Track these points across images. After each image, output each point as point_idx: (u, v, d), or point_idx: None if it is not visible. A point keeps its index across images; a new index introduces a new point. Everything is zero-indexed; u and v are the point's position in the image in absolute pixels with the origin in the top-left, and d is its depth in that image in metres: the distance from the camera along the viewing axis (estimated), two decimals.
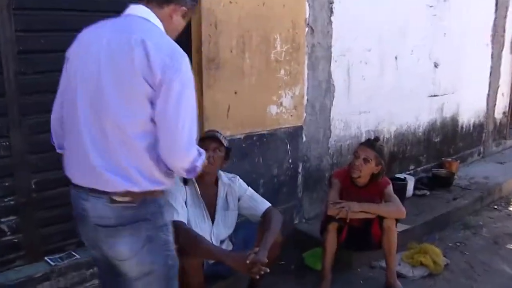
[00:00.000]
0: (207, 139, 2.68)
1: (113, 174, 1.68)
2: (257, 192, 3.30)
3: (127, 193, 1.70)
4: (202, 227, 2.72)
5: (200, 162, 1.78)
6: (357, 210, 3.02)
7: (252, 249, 2.52)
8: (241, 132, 3.40)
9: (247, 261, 2.42)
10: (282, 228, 2.81)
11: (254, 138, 3.47)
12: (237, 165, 3.35)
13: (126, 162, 1.68)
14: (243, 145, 3.43)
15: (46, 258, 2.81)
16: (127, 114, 1.65)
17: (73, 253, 2.86)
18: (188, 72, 1.70)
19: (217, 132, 2.77)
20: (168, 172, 1.78)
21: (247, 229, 2.93)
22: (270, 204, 2.86)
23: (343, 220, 3.07)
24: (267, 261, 2.46)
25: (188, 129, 1.68)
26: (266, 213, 2.80)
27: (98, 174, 1.70)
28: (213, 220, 2.78)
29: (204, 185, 2.73)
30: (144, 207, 1.74)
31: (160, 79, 1.63)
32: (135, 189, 1.70)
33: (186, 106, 1.66)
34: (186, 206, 2.65)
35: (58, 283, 2.75)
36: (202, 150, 1.83)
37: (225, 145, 2.69)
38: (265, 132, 3.53)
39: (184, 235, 2.49)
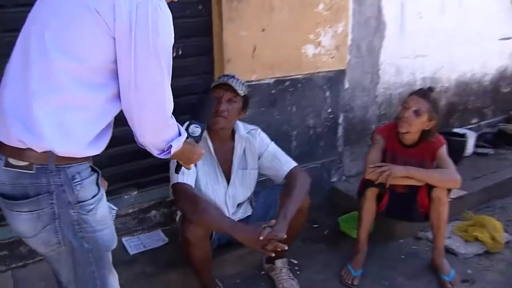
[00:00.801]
0: (219, 87, 2.28)
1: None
2: (289, 145, 3.07)
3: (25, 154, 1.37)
4: (216, 188, 2.38)
5: (178, 144, 1.51)
6: (400, 175, 2.50)
7: (267, 222, 2.12)
8: (271, 76, 2.93)
9: (260, 237, 2.02)
10: (315, 189, 2.47)
11: (286, 84, 3.00)
12: (265, 114, 2.98)
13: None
14: (273, 91, 2.97)
15: None
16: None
17: None
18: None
19: (232, 77, 2.31)
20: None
21: (270, 191, 2.56)
22: (295, 164, 2.44)
23: (383, 186, 2.57)
24: (285, 236, 2.06)
25: (164, 98, 1.41)
26: (290, 175, 2.38)
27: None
28: (228, 180, 2.42)
29: (218, 140, 2.37)
30: (46, 176, 1.38)
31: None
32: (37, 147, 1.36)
33: (160, 63, 1.36)
34: (196, 164, 2.27)
35: None
36: (182, 131, 1.56)
37: (242, 94, 2.28)
38: (299, 76, 3.04)
39: (186, 200, 2.16)
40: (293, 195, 2.24)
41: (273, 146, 2.47)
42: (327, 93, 3.21)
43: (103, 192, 1.50)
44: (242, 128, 2.43)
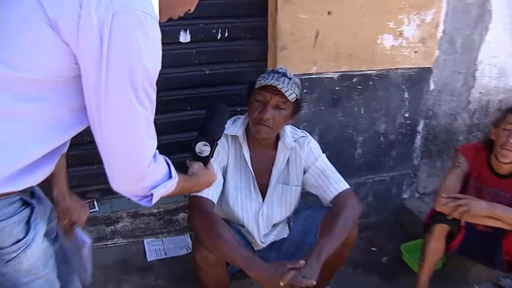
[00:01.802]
0: (265, 89, 1.85)
1: None
2: (352, 153, 2.73)
3: None
4: (246, 204, 2.00)
5: (163, 191, 1.19)
6: (482, 214, 1.92)
7: (294, 262, 1.67)
8: (335, 69, 2.45)
9: (281, 283, 1.60)
10: (380, 205, 2.24)
11: (355, 80, 2.51)
12: (325, 114, 2.54)
13: None
14: (337, 87, 2.49)
15: None
16: None
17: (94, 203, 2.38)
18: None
19: (283, 75, 1.87)
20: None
21: (313, 212, 2.09)
22: (347, 187, 1.98)
23: (457, 223, 2.01)
24: (314, 283, 1.63)
25: (141, 144, 1.10)
26: (337, 200, 1.94)
27: None
28: (264, 195, 2.03)
29: (258, 147, 1.98)
30: None
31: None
32: None
33: (138, 99, 1.05)
34: (226, 174, 1.96)
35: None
36: (173, 172, 1.23)
37: (293, 99, 1.84)
38: (372, 72, 2.53)
39: (201, 219, 1.79)
40: (335, 228, 1.80)
41: (323, 161, 2.02)
42: (406, 95, 2.65)
43: (37, 232, 1.13)
44: (289, 134, 2.01)
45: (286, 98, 1.84)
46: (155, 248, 2.38)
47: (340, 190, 1.96)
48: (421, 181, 2.99)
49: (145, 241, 2.42)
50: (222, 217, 1.99)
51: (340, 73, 2.49)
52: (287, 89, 1.83)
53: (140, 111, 1.05)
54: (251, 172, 1.99)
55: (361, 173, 2.72)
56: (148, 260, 2.33)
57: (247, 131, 1.96)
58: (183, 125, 2.39)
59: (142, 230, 2.45)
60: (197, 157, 1.47)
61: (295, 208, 2.12)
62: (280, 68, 1.95)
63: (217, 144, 1.51)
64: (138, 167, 1.11)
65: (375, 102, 2.62)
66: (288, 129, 2.03)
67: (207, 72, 2.32)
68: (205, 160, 1.47)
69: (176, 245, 2.41)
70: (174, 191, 1.25)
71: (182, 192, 1.35)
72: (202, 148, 1.48)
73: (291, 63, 2.32)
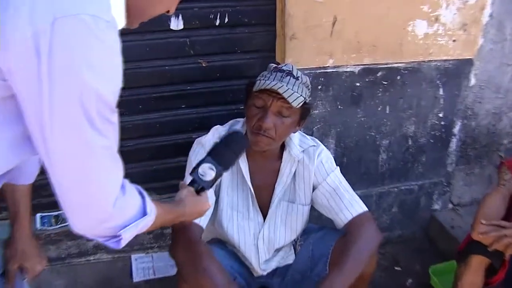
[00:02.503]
0: (264, 93, 1.57)
1: None
2: (375, 158, 2.41)
3: None
4: (244, 225, 1.75)
5: (134, 231, 1.03)
6: None
7: None
8: (356, 62, 2.14)
9: None
10: (406, 217, 2.18)
11: (379, 74, 2.18)
12: (343, 114, 2.25)
13: None
14: (358, 83, 2.19)
15: (37, 214, 2.08)
16: None
17: None
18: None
19: (288, 74, 1.58)
20: None
21: (324, 236, 1.82)
22: (363, 209, 1.69)
23: (499, 257, 1.65)
24: None
25: (100, 180, 0.94)
26: (351, 226, 1.66)
27: None
28: (265, 215, 1.76)
29: (259, 158, 1.71)
30: None
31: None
32: None
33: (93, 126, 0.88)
34: (219, 190, 1.71)
35: (47, 252, 2.07)
36: (149, 207, 1.06)
37: (298, 105, 1.56)
38: (400, 65, 2.20)
39: (184, 250, 1.55)
40: (348, 261, 1.53)
41: (336, 176, 1.73)
42: (440, 91, 2.29)
43: None
44: (296, 143, 1.73)
45: (289, 104, 1.54)
46: (143, 266, 2.13)
47: (355, 214, 1.66)
48: (455, 190, 2.64)
49: (133, 257, 2.17)
50: (216, 237, 1.80)
51: (361, 66, 2.17)
52: (292, 92, 1.52)
53: (98, 141, 0.88)
54: (249, 187, 1.71)
55: (385, 182, 2.44)
56: (134, 281, 2.09)
57: (246, 138, 1.66)
58: (177, 125, 2.15)
59: (129, 244, 2.07)
60: (195, 180, 1.31)
61: (302, 230, 1.82)
62: (285, 65, 1.63)
63: (221, 175, 1.34)
64: (99, 207, 0.96)
65: (403, 100, 2.29)
66: (296, 136, 1.74)
67: (204, 65, 2.07)
68: (203, 186, 1.31)
69: (166, 263, 2.12)
70: (152, 226, 1.12)
71: (166, 224, 1.25)
72: (207, 171, 1.31)
73: (303, 55, 2.07)
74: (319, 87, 2.15)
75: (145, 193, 1.09)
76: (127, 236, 1.03)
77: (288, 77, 1.58)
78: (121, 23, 0.96)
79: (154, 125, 2.13)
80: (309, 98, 1.65)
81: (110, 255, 2.22)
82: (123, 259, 2.21)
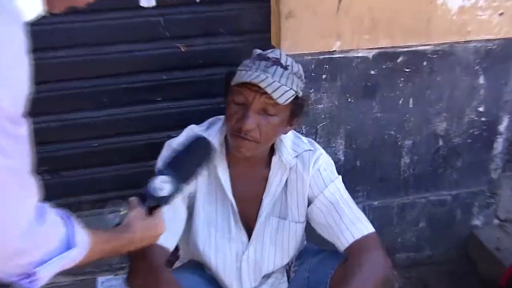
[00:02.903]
0: (245, 87, 1.54)
1: None
2: (396, 162, 2.41)
3: None
4: (224, 246, 1.73)
5: (56, 267, 1.01)
6: None
7: None
8: (369, 45, 2.13)
9: None
10: (437, 235, 2.24)
11: (400, 60, 2.18)
12: (355, 108, 2.24)
13: None
14: (372, 71, 2.18)
15: None
16: None
17: None
18: None
19: (275, 62, 1.54)
20: None
21: (321, 263, 1.78)
22: (368, 231, 1.64)
23: None
24: None
25: (6, 199, 0.89)
26: (353, 251, 1.63)
27: None
28: (250, 233, 1.73)
29: (242, 164, 1.69)
30: None
31: None
32: None
33: None
34: (194, 203, 1.71)
35: None
36: (78, 239, 1.05)
37: (285, 102, 1.54)
38: (427, 47, 2.18)
39: (142, 277, 1.54)
40: None
41: (336, 188, 1.68)
42: (481, 79, 2.25)
43: None
44: (288, 146, 1.70)
45: (274, 101, 1.50)
46: None
47: (357, 236, 1.61)
48: (502, 202, 2.63)
49: (99, 280, 2.20)
50: (194, 259, 1.77)
51: (377, 50, 2.16)
52: (278, 85, 1.48)
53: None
54: (230, 200, 1.68)
55: (409, 191, 2.44)
56: None
57: (228, 141, 1.65)
58: (152, 122, 2.19)
59: (95, 265, 2.25)
60: (147, 196, 1.28)
61: (296, 252, 1.80)
62: (272, 51, 1.58)
63: (181, 190, 1.33)
64: (5, 241, 0.91)
65: (431, 91, 2.27)
66: (289, 139, 1.70)
67: (182, 50, 2.10)
68: (158, 203, 1.29)
69: None
70: (86, 259, 1.09)
71: (108, 255, 1.23)
72: (163, 185, 1.29)
73: (303, 37, 2.05)
74: (324, 76, 2.13)
75: (74, 221, 1.07)
76: (45, 274, 1.01)
77: (275, 66, 1.53)
78: (35, 9, 0.94)
79: (123, 121, 2.15)
80: (302, 90, 1.59)
81: (73, 278, 2.23)
82: (86, 283, 2.22)
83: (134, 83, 2.11)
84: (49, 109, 2.04)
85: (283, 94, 1.48)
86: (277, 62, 1.54)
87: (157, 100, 2.17)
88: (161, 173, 1.31)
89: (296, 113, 1.60)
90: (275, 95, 1.47)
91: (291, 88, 1.51)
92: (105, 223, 2.14)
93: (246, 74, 1.50)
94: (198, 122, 1.72)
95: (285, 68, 1.53)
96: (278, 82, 1.49)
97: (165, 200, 1.29)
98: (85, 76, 2.03)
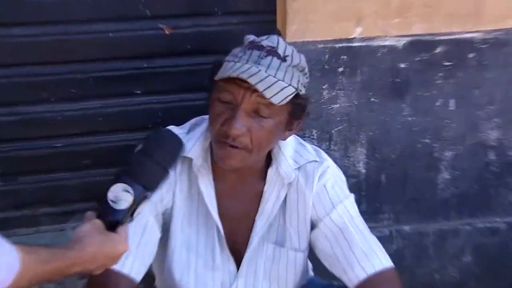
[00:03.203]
0: (233, 82, 1.48)
1: None
2: (432, 179, 2.40)
3: None
4: (206, 278, 1.71)
5: None
6: None
7: None
8: (399, 30, 2.12)
9: None
10: (488, 272, 2.29)
11: (439, 50, 2.17)
12: (379, 110, 2.22)
13: None
14: (402, 64, 2.16)
15: None
16: None
17: None
18: None
19: (271, 52, 1.49)
20: None
21: None
22: (386, 265, 1.60)
23: None
24: None
25: None
26: None
27: None
28: (239, 262, 1.70)
29: (230, 176, 1.65)
30: None
31: None
32: None
33: None
34: (170, 223, 1.67)
35: None
36: (12, 256, 1.02)
37: (282, 100, 1.47)
38: (475, 35, 2.17)
39: None
40: None
41: (345, 210, 1.64)
42: None
43: None
44: (288, 155, 1.66)
45: (266, 100, 1.43)
46: None
47: (370, 272, 1.57)
48: None
49: None
50: None
51: (409, 37, 2.15)
52: (274, 80, 1.42)
53: None
54: (215, 221, 1.62)
55: (450, 215, 2.42)
56: None
57: (212, 149, 1.61)
58: (129, 119, 2.17)
59: None
60: (104, 209, 1.21)
61: (297, 286, 1.76)
62: (267, 38, 1.51)
63: (146, 198, 1.25)
64: None
65: (479, 90, 2.26)
66: (290, 145, 1.66)
67: (167, 32, 2.08)
68: (116, 219, 1.21)
69: None
70: (17, 284, 1.05)
71: (51, 278, 1.15)
72: (121, 195, 1.21)
73: (315, 20, 2.04)
74: (341, 69, 2.10)
75: None
76: None
77: (270, 57, 1.46)
78: None
79: (94, 118, 2.13)
80: (304, 86, 1.52)
81: None
82: None
83: (108, 72, 2.09)
84: (1, 99, 2.00)
85: (279, 91, 1.42)
86: (272, 51, 1.48)
87: (136, 93, 2.14)
88: (118, 180, 1.22)
89: (296, 114, 1.54)
90: (268, 93, 1.40)
91: (289, 85, 1.44)
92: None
93: (234, 66, 1.45)
94: (184, 120, 1.66)
95: (283, 59, 1.47)
96: (274, 77, 1.42)
97: (124, 214, 1.21)
98: (48, 61, 2.00)
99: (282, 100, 1.44)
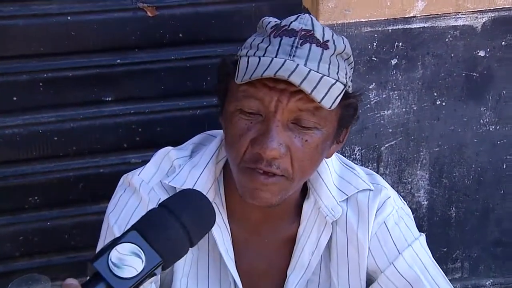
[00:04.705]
0: (260, 85, 1.30)
1: None
2: None
3: None
4: None
5: None
6: None
7: None
8: (477, 4, 1.90)
9: None
10: None
11: None
12: (446, 118, 2.07)
13: None
14: (481, 51, 1.97)
15: None
16: None
17: None
18: None
19: (307, 36, 1.33)
20: None
21: None
22: None
23: None
24: None
25: None
26: None
27: None
28: None
29: (252, 218, 1.48)
30: None
31: None
32: None
33: None
34: (173, 276, 1.52)
35: None
36: None
37: (333, 103, 1.29)
38: None
39: None
40: None
41: (414, 256, 1.43)
42: None
43: None
44: (332, 182, 1.48)
45: (315, 103, 1.28)
46: None
47: None
48: None
49: None
50: None
51: (491, 13, 1.96)
52: (319, 76, 1.24)
53: None
54: (233, 278, 1.50)
55: None
56: None
57: (227, 176, 1.47)
58: (97, 137, 1.96)
59: None
60: (99, 275, 0.96)
61: None
62: (297, 19, 1.33)
63: (154, 275, 1.02)
64: None
65: None
66: (332, 169, 1.48)
67: (150, 14, 1.88)
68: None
69: None
70: None
71: None
72: (127, 258, 1.00)
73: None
74: (394, 61, 1.93)
75: None
76: None
77: (307, 44, 1.30)
78: None
79: (47, 136, 1.94)
80: (351, 82, 1.35)
81: None
82: None
83: (65, 71, 1.87)
84: None
85: (328, 91, 1.25)
86: (309, 36, 1.32)
87: (106, 100, 1.94)
88: (127, 238, 0.99)
89: (346, 120, 1.35)
90: (318, 94, 1.23)
91: (337, 80, 1.27)
92: None
93: (261, 62, 1.27)
94: (175, 138, 1.50)
95: (325, 46, 1.32)
96: (317, 71, 1.24)
97: (129, 285, 0.96)
98: None
99: (333, 103, 1.25)
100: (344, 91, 1.27)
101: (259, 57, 1.27)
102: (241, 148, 1.30)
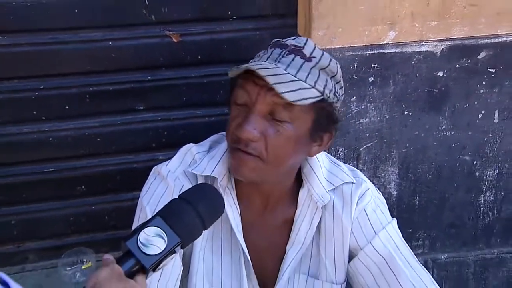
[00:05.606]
0: (249, 82, 1.49)
1: None
2: (472, 203, 2.42)
3: None
4: None
5: None
6: None
7: None
8: (438, 34, 2.12)
9: None
10: None
11: (483, 55, 2.19)
12: (413, 125, 2.25)
13: None
14: (440, 71, 2.18)
15: None
16: None
17: None
18: None
19: (295, 51, 1.51)
20: None
21: None
22: None
23: None
24: None
25: None
26: None
27: None
28: None
29: (257, 201, 1.67)
30: None
31: None
32: None
33: None
34: (192, 253, 1.67)
35: None
36: None
37: (300, 100, 1.46)
38: None
39: None
40: None
41: (388, 237, 1.64)
42: None
43: None
44: (322, 176, 1.66)
45: (283, 99, 1.43)
46: None
47: None
48: None
49: None
50: None
51: (449, 42, 2.15)
52: (291, 78, 1.43)
53: None
54: (242, 249, 1.62)
55: (493, 242, 2.43)
56: None
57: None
58: (131, 139, 2.18)
59: None
60: (130, 252, 1.20)
61: None
62: (295, 38, 1.51)
63: (175, 252, 1.25)
64: None
65: None
66: (323, 165, 1.66)
67: (175, 40, 2.08)
68: (143, 265, 1.19)
69: None
70: None
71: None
72: (153, 239, 1.23)
73: (342, 24, 2.02)
74: (371, 79, 2.08)
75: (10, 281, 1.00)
76: None
77: (292, 55, 1.48)
78: None
79: (90, 138, 2.14)
80: (337, 96, 1.50)
81: None
82: None
83: (106, 85, 2.08)
84: None
85: (296, 90, 1.42)
86: (296, 50, 1.50)
87: (138, 109, 2.14)
88: (152, 223, 1.23)
89: (322, 125, 1.51)
90: (281, 89, 1.41)
91: (312, 87, 1.44)
92: (60, 280, 2.07)
93: (251, 62, 1.48)
94: (195, 139, 1.64)
95: (308, 59, 1.48)
96: (294, 76, 1.43)
97: (153, 261, 1.20)
98: (36, 74, 1.97)
99: (298, 100, 1.42)
100: (319, 98, 1.44)
101: (254, 61, 1.50)
102: (229, 131, 1.51)
